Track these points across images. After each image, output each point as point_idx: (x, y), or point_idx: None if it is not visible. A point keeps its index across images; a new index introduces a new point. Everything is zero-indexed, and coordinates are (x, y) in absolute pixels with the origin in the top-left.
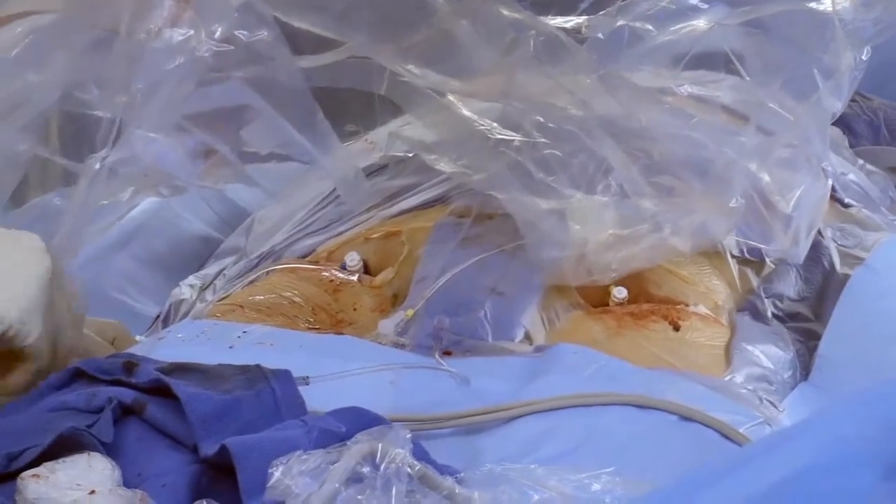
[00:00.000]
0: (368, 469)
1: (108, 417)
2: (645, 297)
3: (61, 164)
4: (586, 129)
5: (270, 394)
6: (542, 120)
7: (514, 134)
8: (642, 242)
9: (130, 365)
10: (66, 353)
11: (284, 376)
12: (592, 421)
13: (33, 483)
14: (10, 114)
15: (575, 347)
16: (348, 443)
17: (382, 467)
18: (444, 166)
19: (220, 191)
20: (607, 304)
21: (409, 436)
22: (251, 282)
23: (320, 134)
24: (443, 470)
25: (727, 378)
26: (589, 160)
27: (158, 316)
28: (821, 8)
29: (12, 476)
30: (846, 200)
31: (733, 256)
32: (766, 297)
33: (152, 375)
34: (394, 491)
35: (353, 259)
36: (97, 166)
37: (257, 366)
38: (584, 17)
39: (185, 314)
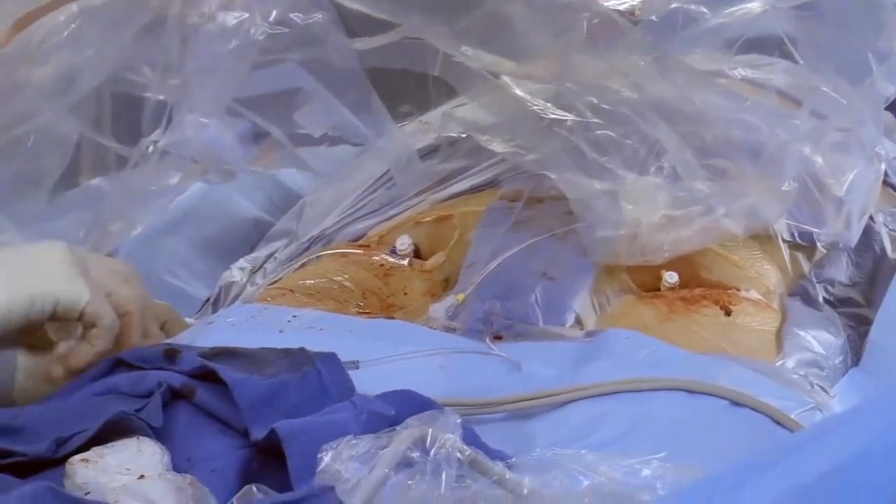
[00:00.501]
0: (418, 454)
1: (157, 401)
2: (696, 282)
3: (113, 148)
4: (640, 111)
5: (316, 376)
6: (595, 101)
7: (567, 114)
8: (694, 224)
9: (172, 353)
10: (140, 313)
11: (330, 359)
12: (643, 406)
13: (82, 468)
14: (60, 95)
15: (626, 332)
16: (398, 427)
17: (433, 452)
18: (498, 147)
19: (273, 174)
20: (658, 289)
21: (459, 420)
22: (302, 266)
23: (375, 115)
24: (493, 455)
25: (778, 363)
26: (642, 142)
27: (209, 299)
28: None
29: (61, 461)
30: None
31: (785, 241)
32: (818, 282)
33: (196, 362)
34: (444, 476)
35: (403, 243)
36: (149, 150)
37: (301, 349)
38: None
39: (236, 297)
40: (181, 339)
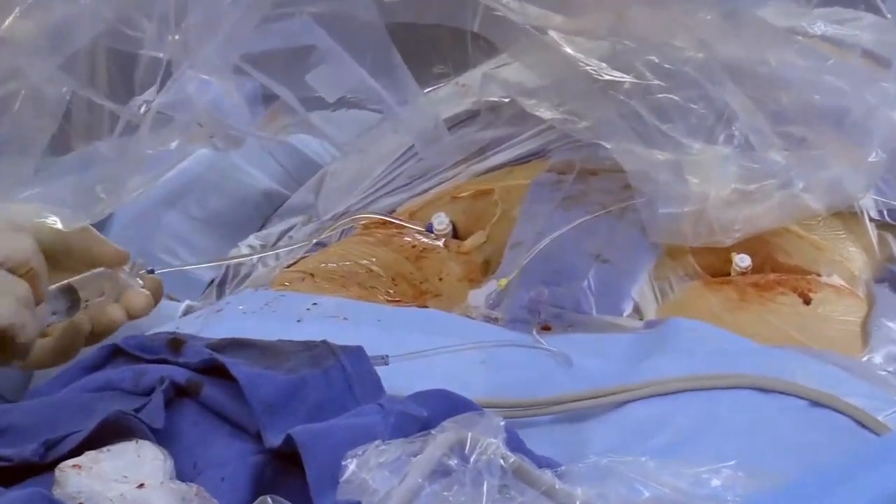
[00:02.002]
0: (456, 461)
1: (158, 400)
2: (771, 266)
3: (107, 110)
4: (707, 71)
5: (340, 372)
6: (656, 61)
7: (624, 76)
8: (769, 199)
9: (177, 343)
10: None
11: (356, 353)
12: (711, 406)
13: (74, 475)
14: (50, 50)
15: (691, 323)
16: (433, 431)
17: (472, 459)
18: (545, 112)
19: (286, 140)
20: (728, 274)
21: (502, 423)
22: (323, 246)
23: (397, 79)
24: (541, 462)
25: (864, 358)
26: (709, 107)
27: (213, 281)
28: None
29: (50, 467)
30: None
31: (872, 219)
32: None
33: (204, 354)
34: (485, 486)
35: (440, 221)
36: (142, 110)
37: (324, 341)
38: None
39: (244, 279)
40: (187, 325)
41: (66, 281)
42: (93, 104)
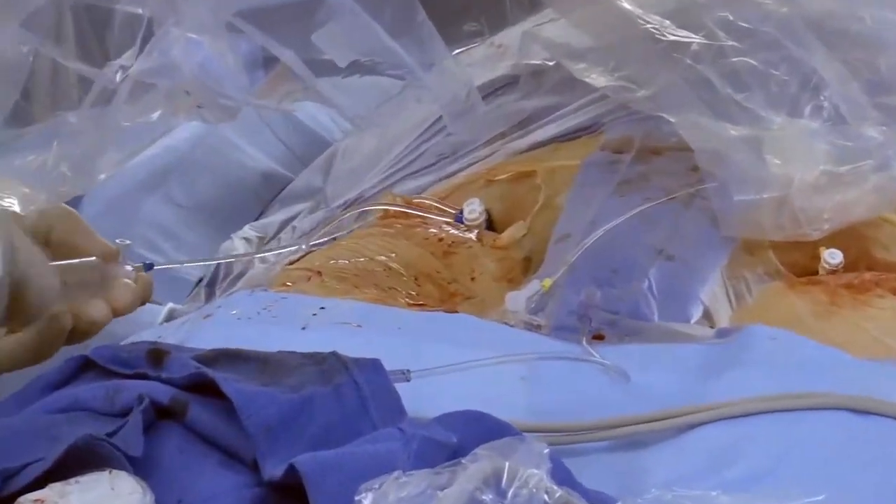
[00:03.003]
0: (491, 496)
1: (136, 422)
2: (867, 263)
3: (78, 72)
4: (790, 30)
5: (354, 390)
6: (730, 17)
7: (692, 35)
8: (864, 183)
9: (158, 354)
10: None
11: (373, 367)
12: (795, 430)
13: None
14: (10, 5)
15: (773, 331)
16: (463, 460)
17: (510, 494)
18: (597, 79)
19: (288, 113)
20: (815, 273)
21: (546, 451)
22: (332, 239)
23: (421, 39)
24: (592, 497)
25: None
26: (793, 72)
27: (201, 280)
28: None
29: (8, 501)
30: None
31: None
32: None
33: (190, 368)
34: None
35: (472, 209)
36: (118, 75)
37: (333, 353)
38: None
39: (238, 278)
40: (170, 334)
41: (51, 263)
42: (59, 67)
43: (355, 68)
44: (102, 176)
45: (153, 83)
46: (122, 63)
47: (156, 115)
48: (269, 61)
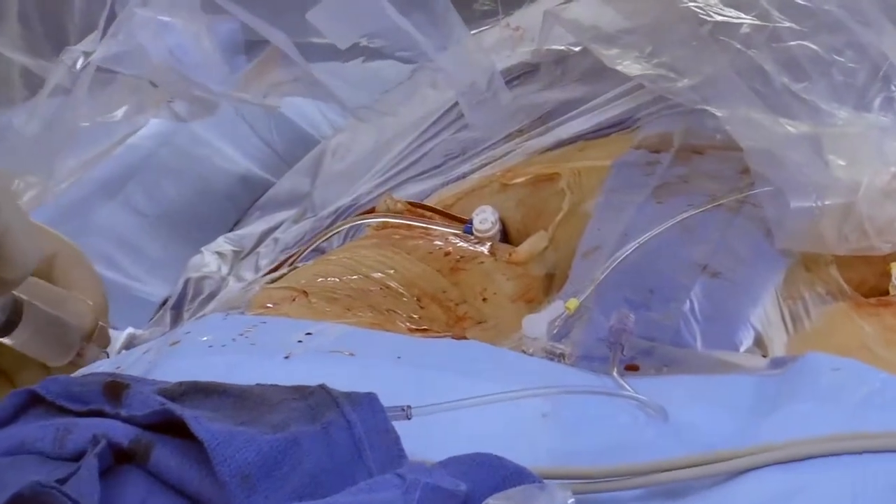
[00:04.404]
0: None
1: (91, 468)
2: None
3: (22, 64)
4: (857, 9)
5: (345, 430)
6: None
7: (743, 15)
8: None
9: (116, 387)
10: None
11: (368, 403)
12: (864, 476)
13: None
14: None
15: (836, 360)
16: None
17: None
18: (631, 66)
19: (273, 106)
20: (886, 293)
21: (571, 500)
22: (321, 253)
23: (436, 16)
24: None
25: None
26: (861, 59)
27: (166, 301)
28: None
29: None
30: None
31: None
32: None
33: (154, 404)
34: None
35: (483, 218)
36: (77, 65)
37: (322, 387)
38: None
39: (211, 298)
40: (131, 364)
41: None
42: (1, 58)
43: (358, 52)
44: (63, 185)
45: (115, 74)
46: (83, 49)
47: (120, 112)
48: (252, 46)
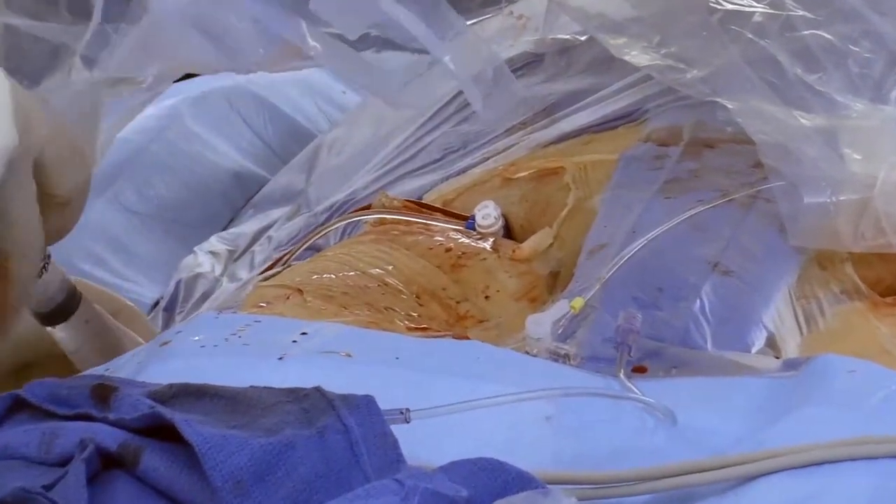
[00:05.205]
0: None
1: (78, 473)
2: None
3: (33, 32)
4: None
5: (342, 433)
6: None
7: (754, 4)
8: None
9: (104, 390)
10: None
11: (365, 406)
12: (882, 481)
13: None
14: None
15: (851, 362)
16: None
17: None
18: (639, 56)
19: (264, 99)
20: None
21: None
22: (316, 250)
23: (437, 9)
24: None
25: None
26: (877, 49)
27: (158, 302)
28: None
29: None
30: None
31: None
32: None
33: (143, 407)
34: None
35: (486, 214)
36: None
37: (317, 389)
38: None
39: (204, 299)
40: (120, 366)
41: None
42: (17, 31)
43: (370, 42)
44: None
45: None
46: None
47: (150, 77)
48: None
